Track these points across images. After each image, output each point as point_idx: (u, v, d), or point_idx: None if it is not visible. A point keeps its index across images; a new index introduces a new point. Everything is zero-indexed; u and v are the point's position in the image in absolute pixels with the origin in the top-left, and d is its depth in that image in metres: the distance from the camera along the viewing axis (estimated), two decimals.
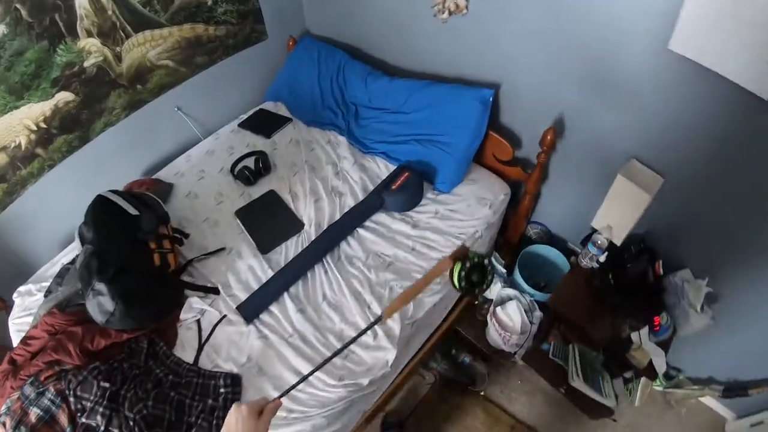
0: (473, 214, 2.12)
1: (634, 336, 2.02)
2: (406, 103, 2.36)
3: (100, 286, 1.69)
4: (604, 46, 1.72)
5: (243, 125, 2.66)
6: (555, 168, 2.26)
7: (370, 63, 2.61)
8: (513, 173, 2.28)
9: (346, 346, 1.26)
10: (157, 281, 1.84)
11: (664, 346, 2.06)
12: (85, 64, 2.10)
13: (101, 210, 1.89)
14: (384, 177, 2.25)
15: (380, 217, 2.13)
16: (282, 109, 2.76)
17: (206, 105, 2.68)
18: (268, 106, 2.79)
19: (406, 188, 2.10)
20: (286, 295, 1.87)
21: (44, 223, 2.30)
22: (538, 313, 2.26)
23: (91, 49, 2.10)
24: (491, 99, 2.13)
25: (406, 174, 2.12)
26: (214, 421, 1.64)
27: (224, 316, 1.85)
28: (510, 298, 2.31)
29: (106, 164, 2.37)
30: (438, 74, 2.41)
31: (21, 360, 1.94)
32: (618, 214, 1.99)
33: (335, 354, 1.18)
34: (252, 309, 1.83)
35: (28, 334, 1.94)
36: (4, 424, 1.80)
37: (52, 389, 1.77)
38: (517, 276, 2.32)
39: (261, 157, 2.35)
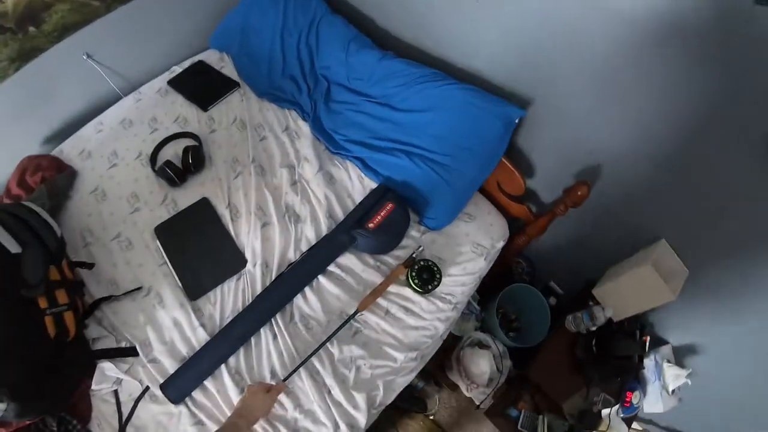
0: (465, 268, 1.70)
1: (604, 412, 1.85)
2: (399, 95, 1.79)
3: None
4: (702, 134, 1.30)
5: (174, 84, 1.97)
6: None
7: (356, 24, 1.95)
8: (517, 211, 1.86)
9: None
10: (55, 358, 1.34)
11: (628, 422, 1.91)
12: None
13: None
14: (357, 197, 1.76)
15: (348, 258, 1.65)
16: (228, 66, 2.07)
17: (127, 51, 1.97)
18: (211, 57, 2.09)
19: (386, 228, 1.61)
20: (224, 368, 1.44)
21: None
22: (508, 363, 2.05)
23: None
24: (518, 121, 1.63)
25: (389, 207, 1.62)
26: None
27: (147, 389, 1.43)
28: (482, 344, 2.04)
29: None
30: (449, 63, 1.82)
31: None
32: (629, 298, 1.73)
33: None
34: (179, 390, 1.39)
35: None
36: None
37: None
38: (494, 320, 2.03)
39: (192, 148, 1.74)
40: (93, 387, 1.43)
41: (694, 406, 1.87)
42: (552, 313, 2.05)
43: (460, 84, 1.70)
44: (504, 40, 1.56)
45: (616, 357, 1.83)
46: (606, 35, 1.29)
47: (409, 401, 2.20)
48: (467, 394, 2.07)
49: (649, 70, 1.28)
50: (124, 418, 1.41)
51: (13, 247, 1.31)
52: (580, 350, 1.88)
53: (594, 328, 1.84)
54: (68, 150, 1.80)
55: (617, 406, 1.83)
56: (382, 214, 1.61)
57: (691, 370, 1.78)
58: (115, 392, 1.43)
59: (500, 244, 1.80)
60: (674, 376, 1.79)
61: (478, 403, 2.02)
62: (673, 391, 1.81)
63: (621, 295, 1.74)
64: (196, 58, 2.08)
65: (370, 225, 1.60)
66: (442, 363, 2.17)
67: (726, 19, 1.06)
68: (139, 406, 1.41)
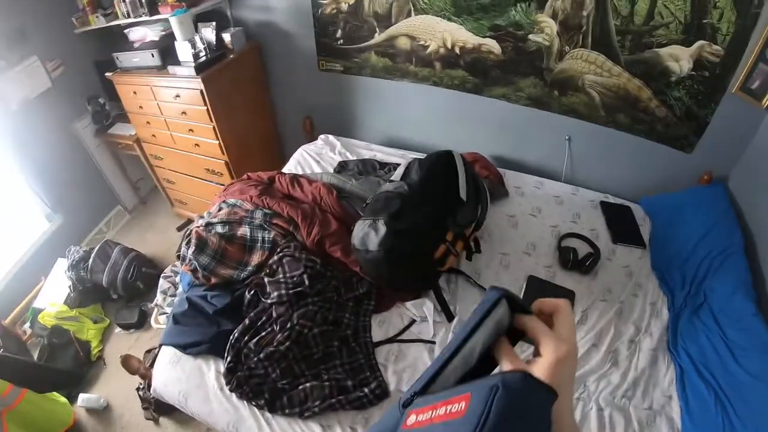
0: None
1: None
2: (746, 351, 1.94)
3: (382, 228, 1.70)
4: None
5: (604, 206, 2.45)
6: None
7: (752, 271, 2.18)
8: None
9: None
10: (422, 268, 1.84)
11: None
12: (529, 36, 2.14)
13: (442, 168, 1.88)
14: (656, 394, 1.95)
15: None
16: (646, 227, 2.45)
17: (591, 158, 2.53)
18: (637, 211, 2.51)
19: None
20: None
21: (387, 114, 2.55)
22: None
23: (544, 28, 2.09)
24: None
25: None
26: (333, 396, 1.62)
27: (433, 342, 1.81)
28: None
29: (477, 122, 2.49)
30: None
31: (278, 188, 2.11)
32: None
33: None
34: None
35: (301, 178, 2.13)
36: (220, 209, 1.99)
37: (271, 235, 1.89)
38: None
39: (593, 256, 2.14)
40: (407, 304, 1.87)
41: None
42: None
43: None
44: None
45: None
46: None
47: None
48: None
49: None
50: (397, 336, 1.81)
51: (463, 194, 1.84)
52: None
53: None
54: (509, 177, 2.40)
55: None
56: None
57: None
58: (412, 320, 1.85)
59: None
60: None
61: None
62: None
63: None
64: (625, 202, 2.51)
65: None
66: None
67: None
68: (413, 345, 1.78)
